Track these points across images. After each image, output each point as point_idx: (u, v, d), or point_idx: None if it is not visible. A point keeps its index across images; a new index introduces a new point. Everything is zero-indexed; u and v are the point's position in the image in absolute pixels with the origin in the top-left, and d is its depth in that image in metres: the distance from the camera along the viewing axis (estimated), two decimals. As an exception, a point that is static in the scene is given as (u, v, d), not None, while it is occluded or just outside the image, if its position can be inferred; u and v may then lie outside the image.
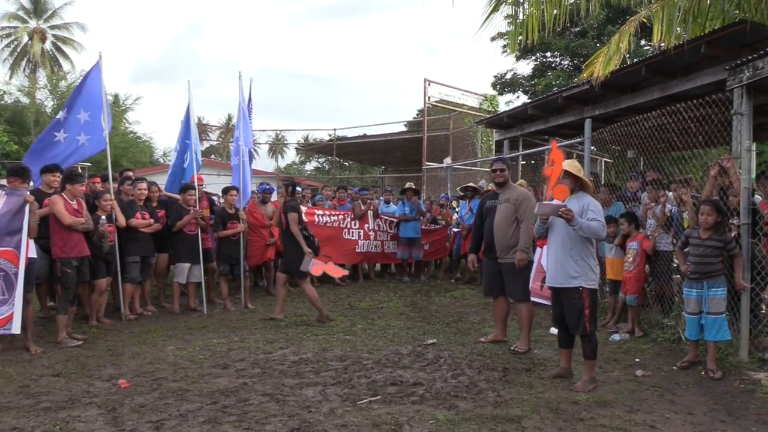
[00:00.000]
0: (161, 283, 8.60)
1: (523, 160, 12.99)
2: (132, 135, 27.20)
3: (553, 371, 5.23)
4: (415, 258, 11.37)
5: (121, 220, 7.26)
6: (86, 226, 6.47)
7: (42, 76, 28.32)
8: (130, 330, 6.97)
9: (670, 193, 6.76)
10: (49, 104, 24.29)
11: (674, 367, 5.41)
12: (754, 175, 6.77)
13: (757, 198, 6.98)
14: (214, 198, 10.65)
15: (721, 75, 6.19)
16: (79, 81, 24.13)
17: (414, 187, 11.63)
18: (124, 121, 26.92)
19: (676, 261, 6.04)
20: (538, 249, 7.34)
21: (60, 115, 7.40)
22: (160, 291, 8.63)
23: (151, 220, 7.74)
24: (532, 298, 6.92)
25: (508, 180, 6.29)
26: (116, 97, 27.71)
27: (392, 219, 11.41)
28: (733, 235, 5.61)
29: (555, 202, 4.81)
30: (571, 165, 4.96)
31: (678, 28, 6.97)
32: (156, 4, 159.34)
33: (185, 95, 8.49)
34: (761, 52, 5.33)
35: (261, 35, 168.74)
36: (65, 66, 34.49)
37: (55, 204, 6.28)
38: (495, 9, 7.03)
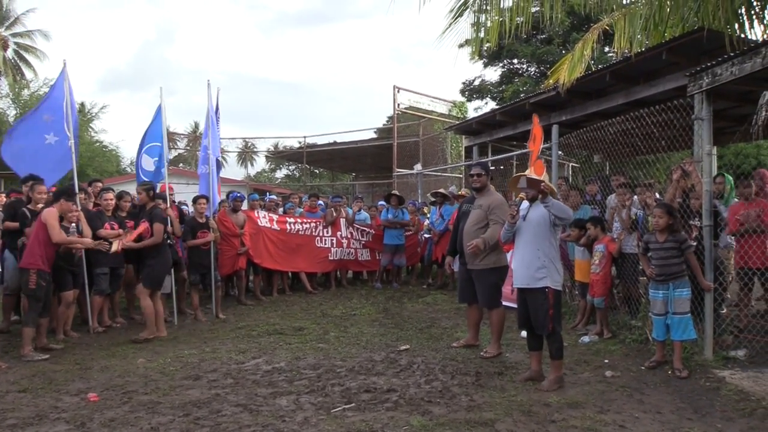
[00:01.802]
0: (130, 295, 8.47)
1: (492, 166, 13.10)
2: (98, 144, 26.74)
3: (524, 374, 5.29)
4: (399, 264, 11.40)
5: (87, 233, 7.11)
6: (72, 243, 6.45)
7: (4, 85, 27.59)
8: (99, 343, 6.84)
9: (636, 197, 6.90)
10: (12, 113, 23.76)
11: (642, 368, 5.50)
12: (731, 179, 6.97)
13: (735, 200, 7.18)
14: (185, 207, 10.53)
15: (682, 81, 6.34)
16: (44, 89, 23.73)
17: (398, 194, 11.66)
18: (90, 130, 26.45)
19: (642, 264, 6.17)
20: (508, 254, 7.40)
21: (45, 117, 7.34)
22: (129, 302, 8.49)
23: (121, 231, 7.62)
24: (504, 303, 6.99)
25: (486, 185, 6.19)
26: (82, 105, 27.23)
27: (364, 228, 11.42)
28: (694, 235, 5.76)
29: (535, 177, 4.97)
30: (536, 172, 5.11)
31: (639, 36, 7.14)
32: (125, 11, 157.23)
33: (157, 103, 8.35)
34: (719, 59, 5.47)
35: (230, 42, 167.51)
36: (28, 74, 33.73)
37: (51, 216, 6.21)
38: (459, 14, 7.09)
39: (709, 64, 5.57)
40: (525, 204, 5.19)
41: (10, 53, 34.20)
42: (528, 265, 5.04)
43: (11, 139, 7.32)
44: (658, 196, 6.78)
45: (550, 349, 5.02)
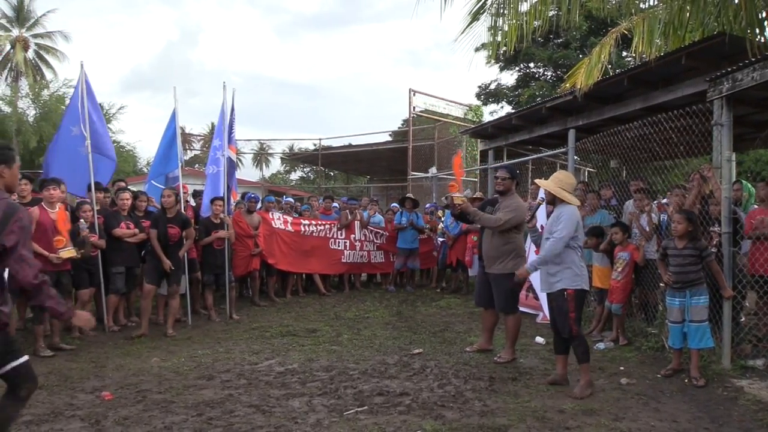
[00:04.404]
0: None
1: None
2: (115, 144, 26.98)
3: (549, 378, 5.27)
4: (412, 267, 11.40)
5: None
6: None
7: (24, 85, 27.91)
8: (114, 341, 6.89)
9: (655, 203, 6.83)
10: (31, 113, 24.00)
11: (658, 375, 5.44)
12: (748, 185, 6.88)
13: (754, 207, 7.09)
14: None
15: (701, 86, 6.26)
16: (63, 89, 23.96)
17: (412, 197, 11.64)
18: (108, 130, 26.71)
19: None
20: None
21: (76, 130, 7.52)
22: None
23: (136, 230, 7.67)
24: (519, 308, 6.95)
25: (510, 189, 6.09)
26: (100, 106, 27.50)
27: (378, 230, 11.41)
28: (714, 242, 5.68)
29: (457, 194, 6.07)
30: (554, 181, 5.17)
31: (658, 40, 7.08)
32: (148, 13, 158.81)
33: (174, 103, 8.40)
34: (740, 64, 5.40)
35: (248, 45, 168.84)
36: (48, 75, 34.14)
37: None
38: (476, 18, 7.07)
39: (729, 70, 5.49)
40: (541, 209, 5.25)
41: (30, 54, 34.70)
42: (545, 269, 5.11)
43: (52, 158, 7.52)
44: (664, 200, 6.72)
45: (576, 353, 4.98)
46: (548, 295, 5.19)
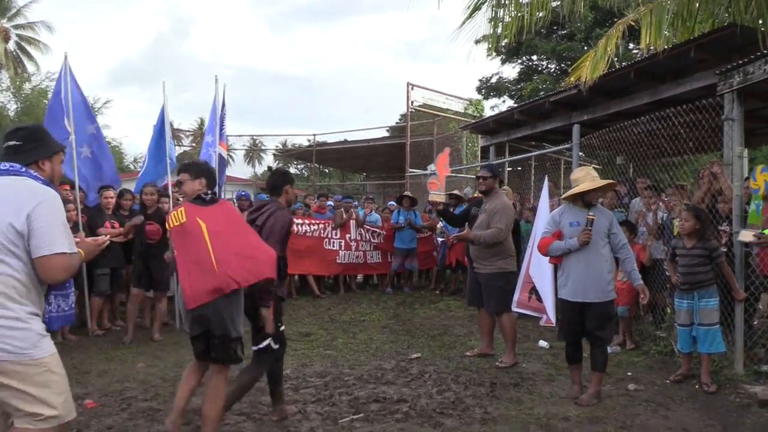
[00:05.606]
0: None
1: (509, 167, 12.86)
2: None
3: (570, 393, 4.94)
4: (410, 268, 11.27)
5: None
6: None
7: (5, 78, 27.37)
8: (98, 346, 6.67)
9: (661, 202, 6.69)
10: (12, 107, 23.60)
11: (667, 381, 5.33)
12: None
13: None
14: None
15: (711, 79, 6.20)
16: (46, 83, 23.48)
17: (410, 195, 11.47)
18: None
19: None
20: (525, 259, 7.20)
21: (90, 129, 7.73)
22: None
23: (121, 229, 7.44)
24: (520, 310, 6.85)
25: (494, 188, 6.10)
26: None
27: (374, 229, 11.22)
28: (723, 241, 5.55)
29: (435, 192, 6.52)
30: (593, 181, 4.93)
31: (667, 32, 6.95)
32: (138, 3, 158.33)
33: (168, 99, 8.24)
34: (752, 57, 5.31)
35: (241, 36, 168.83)
36: (30, 67, 33.42)
37: None
38: (477, 9, 6.93)
39: (740, 62, 5.40)
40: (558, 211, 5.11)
41: (11, 45, 33.93)
42: (598, 278, 4.72)
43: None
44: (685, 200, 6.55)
45: (597, 360, 4.80)
46: (592, 304, 4.74)
